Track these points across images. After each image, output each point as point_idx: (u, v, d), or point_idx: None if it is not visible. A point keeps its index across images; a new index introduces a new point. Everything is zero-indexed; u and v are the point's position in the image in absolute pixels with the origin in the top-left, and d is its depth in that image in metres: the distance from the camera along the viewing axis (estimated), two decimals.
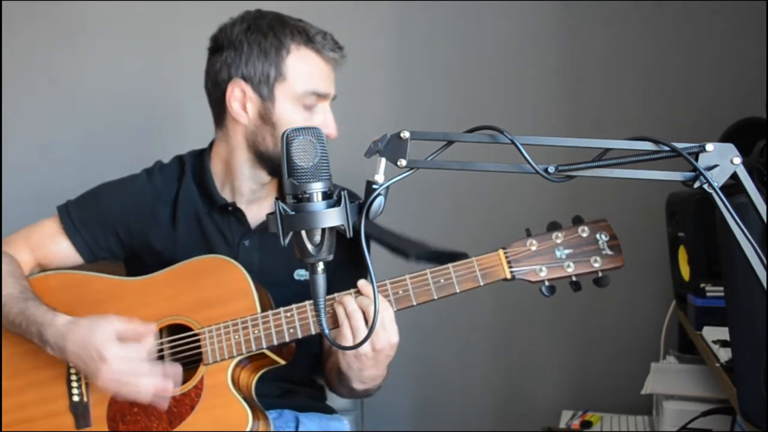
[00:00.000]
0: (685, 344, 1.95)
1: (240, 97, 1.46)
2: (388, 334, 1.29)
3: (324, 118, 1.45)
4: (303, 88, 1.43)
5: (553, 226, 1.31)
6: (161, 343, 1.42)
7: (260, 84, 1.44)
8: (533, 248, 1.29)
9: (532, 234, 1.31)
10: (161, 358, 1.42)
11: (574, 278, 1.28)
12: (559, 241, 1.29)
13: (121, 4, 2.35)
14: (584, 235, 1.29)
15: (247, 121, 1.47)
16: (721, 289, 1.54)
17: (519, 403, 2.34)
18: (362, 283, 1.30)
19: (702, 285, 1.62)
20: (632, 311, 2.18)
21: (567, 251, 1.28)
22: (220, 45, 1.48)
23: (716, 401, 1.62)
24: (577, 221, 1.31)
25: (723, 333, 1.43)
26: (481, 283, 1.30)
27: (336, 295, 1.31)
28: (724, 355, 1.37)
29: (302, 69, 1.44)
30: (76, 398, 1.41)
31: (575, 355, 2.30)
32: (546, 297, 1.29)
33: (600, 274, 1.27)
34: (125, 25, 2.37)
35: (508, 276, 1.30)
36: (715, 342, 1.44)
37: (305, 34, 1.44)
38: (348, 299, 1.29)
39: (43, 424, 1.42)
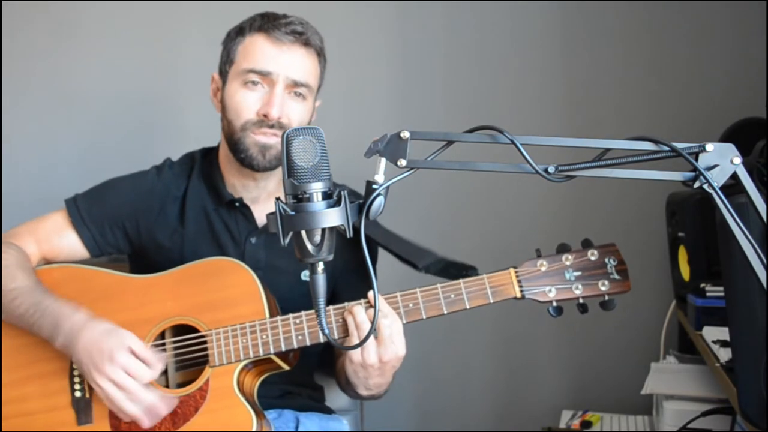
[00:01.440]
0: (685, 344, 1.94)
1: (214, 88, 1.56)
2: (396, 347, 1.30)
3: (267, 98, 1.45)
4: (243, 66, 1.46)
5: (563, 248, 1.33)
6: (164, 344, 1.42)
7: (222, 72, 1.52)
8: (543, 269, 1.32)
9: (542, 254, 1.33)
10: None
11: (581, 300, 1.30)
12: (568, 263, 1.31)
13: (121, 4, 2.35)
14: (593, 258, 1.31)
15: (219, 109, 1.54)
16: (721, 289, 1.54)
17: (519, 403, 2.34)
18: (372, 295, 1.30)
19: (702, 285, 1.62)
20: (632, 311, 2.17)
21: (576, 273, 1.31)
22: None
23: (716, 401, 1.62)
24: (587, 244, 1.33)
25: (723, 333, 1.43)
26: (491, 301, 1.32)
27: (347, 304, 1.32)
28: (724, 355, 1.37)
29: (247, 50, 1.47)
30: (78, 394, 1.40)
31: (575, 355, 2.30)
32: (552, 317, 1.30)
33: (606, 298, 1.29)
34: (125, 24, 2.37)
35: (518, 295, 1.32)
36: (715, 342, 1.44)
37: (263, 21, 1.47)
38: (358, 309, 1.30)
39: (43, 419, 1.41)
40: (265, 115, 1.43)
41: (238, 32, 1.49)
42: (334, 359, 1.60)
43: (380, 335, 1.28)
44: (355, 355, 1.30)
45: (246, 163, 1.47)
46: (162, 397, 1.34)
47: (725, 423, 1.58)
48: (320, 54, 1.52)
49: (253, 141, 1.45)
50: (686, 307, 1.74)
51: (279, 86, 1.44)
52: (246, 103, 1.45)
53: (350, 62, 2.29)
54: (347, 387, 1.47)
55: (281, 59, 1.45)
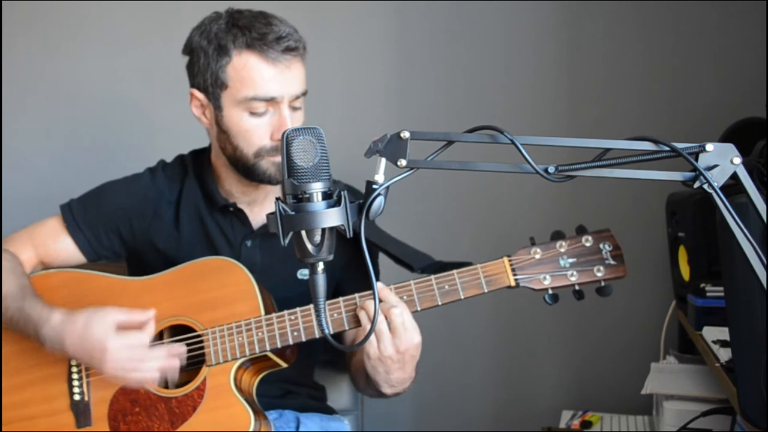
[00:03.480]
0: (685, 344, 1.94)
1: (198, 105, 1.48)
2: (410, 334, 1.29)
3: (278, 122, 1.41)
4: (243, 94, 1.40)
5: (557, 235, 1.32)
6: (162, 344, 1.42)
7: (209, 93, 1.45)
8: (537, 256, 1.31)
9: (536, 242, 1.32)
10: None
11: (577, 287, 1.30)
12: (563, 249, 1.30)
13: (120, 5, 2.35)
14: (588, 244, 1.30)
15: (210, 127, 1.49)
16: (721, 289, 1.54)
17: (519, 403, 2.34)
18: (380, 287, 1.30)
19: (702, 285, 1.62)
20: (632, 311, 2.18)
21: (571, 260, 1.30)
22: (185, 51, 1.49)
23: (716, 401, 1.62)
24: (581, 231, 1.32)
25: (723, 333, 1.43)
26: (486, 290, 1.31)
27: (357, 296, 1.32)
28: (724, 355, 1.37)
29: (242, 75, 1.40)
30: (77, 397, 1.41)
31: (575, 355, 2.30)
32: (549, 305, 1.29)
33: (603, 284, 1.29)
34: (125, 25, 2.37)
35: (513, 283, 1.31)
36: (715, 342, 1.44)
37: (248, 36, 1.39)
38: (370, 305, 1.30)
39: (43, 423, 1.42)
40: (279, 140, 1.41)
41: (220, 50, 1.41)
42: (348, 359, 1.59)
43: (393, 325, 1.27)
44: (372, 349, 1.29)
45: (265, 181, 1.46)
46: (170, 347, 1.36)
47: (725, 423, 1.58)
48: (305, 51, 1.46)
49: (271, 162, 1.43)
50: (686, 307, 1.74)
51: (285, 107, 1.41)
52: (257, 131, 1.41)
53: (350, 62, 2.29)
54: (366, 387, 1.46)
55: (283, 81, 1.40)
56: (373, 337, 1.28)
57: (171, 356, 1.35)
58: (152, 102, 2.38)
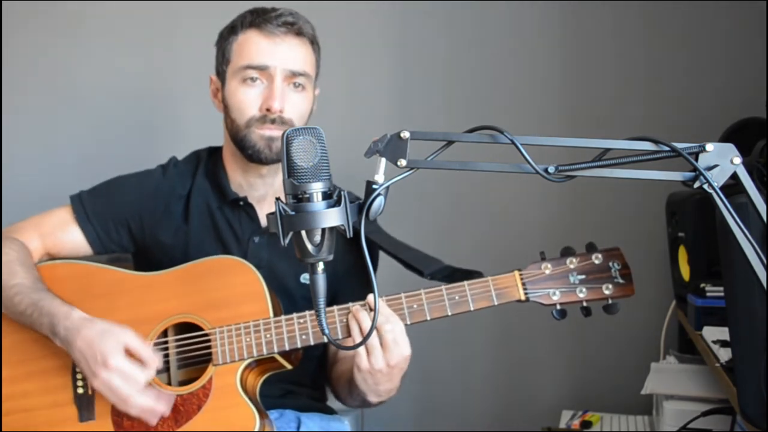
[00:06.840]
0: (685, 344, 1.94)
1: (213, 89, 1.56)
2: (401, 348, 1.30)
3: (267, 92, 1.45)
4: (239, 63, 1.47)
5: (567, 252, 1.33)
6: (167, 342, 1.42)
7: (220, 73, 1.53)
8: (547, 272, 1.32)
9: (547, 257, 1.33)
10: (167, 356, 1.42)
11: (585, 303, 1.30)
12: (572, 266, 1.32)
13: (121, 4, 2.35)
14: (597, 262, 1.32)
15: (220, 109, 1.54)
16: (721, 289, 1.54)
17: (519, 403, 2.34)
18: (371, 298, 1.30)
19: (702, 285, 1.62)
20: (632, 311, 2.16)
21: (580, 277, 1.31)
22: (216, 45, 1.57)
23: (716, 401, 1.62)
24: (591, 248, 1.33)
25: (723, 333, 1.43)
26: (495, 303, 1.32)
27: (351, 305, 1.32)
28: (724, 355, 1.37)
29: (242, 47, 1.48)
30: (80, 390, 1.40)
31: (575, 355, 2.30)
32: (557, 320, 1.30)
33: (610, 301, 1.30)
34: (125, 24, 2.37)
35: (523, 297, 1.32)
36: (715, 342, 1.45)
37: (255, 17, 1.47)
38: (363, 316, 1.30)
39: (45, 415, 1.40)
40: (268, 109, 1.44)
41: (231, 31, 1.50)
42: (329, 367, 1.60)
43: (384, 341, 1.28)
44: (363, 362, 1.30)
45: (255, 158, 1.48)
46: (158, 397, 1.33)
47: (725, 423, 1.58)
48: (314, 42, 1.52)
49: (259, 135, 1.46)
50: (686, 307, 1.74)
51: (278, 79, 1.45)
52: (248, 99, 1.46)
53: (350, 62, 2.29)
54: (349, 396, 1.48)
55: (276, 52, 1.46)
56: (363, 351, 1.29)
57: (157, 405, 1.33)
58: (152, 101, 2.38)
